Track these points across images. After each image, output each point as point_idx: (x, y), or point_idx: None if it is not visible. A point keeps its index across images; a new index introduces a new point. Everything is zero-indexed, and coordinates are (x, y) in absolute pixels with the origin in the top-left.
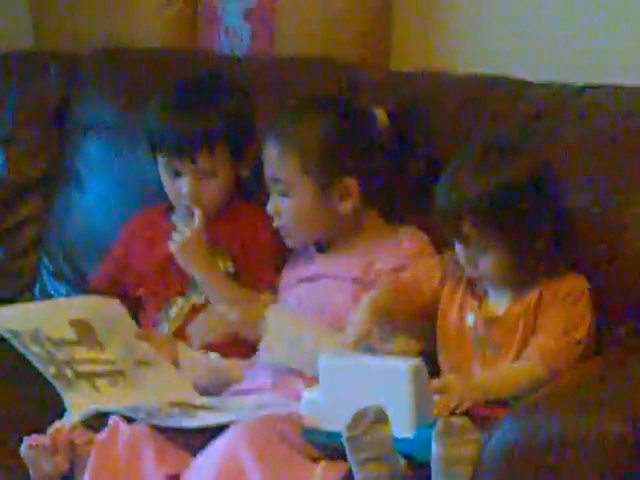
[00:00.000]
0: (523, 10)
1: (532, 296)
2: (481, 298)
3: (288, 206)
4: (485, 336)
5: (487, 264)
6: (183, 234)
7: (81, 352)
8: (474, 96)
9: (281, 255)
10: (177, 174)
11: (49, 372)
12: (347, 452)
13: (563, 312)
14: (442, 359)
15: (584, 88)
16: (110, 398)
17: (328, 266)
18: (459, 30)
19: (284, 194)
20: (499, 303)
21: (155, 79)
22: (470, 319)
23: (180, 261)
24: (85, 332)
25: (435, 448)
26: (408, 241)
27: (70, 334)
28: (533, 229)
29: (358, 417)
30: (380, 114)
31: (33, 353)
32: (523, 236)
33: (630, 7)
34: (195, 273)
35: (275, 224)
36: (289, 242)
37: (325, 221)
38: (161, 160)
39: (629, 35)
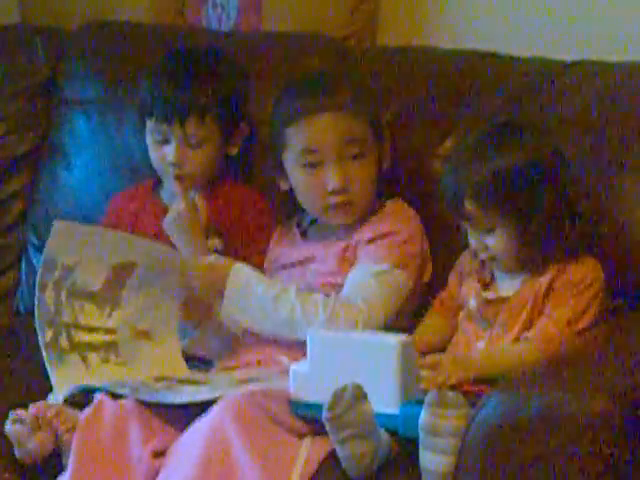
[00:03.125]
0: None
1: (543, 280)
2: (487, 282)
3: (362, 169)
4: (492, 316)
5: (495, 243)
6: (174, 211)
7: (88, 313)
8: (462, 71)
9: (268, 237)
10: (164, 142)
11: (45, 338)
12: (329, 432)
13: (572, 300)
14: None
15: (572, 64)
16: (98, 375)
17: (316, 249)
18: (447, 5)
19: (358, 157)
20: (508, 284)
21: (142, 54)
22: (473, 302)
23: (170, 236)
24: (114, 285)
25: (424, 418)
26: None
27: (96, 286)
28: (537, 207)
29: (336, 396)
30: None
31: (44, 302)
32: (527, 213)
33: None
34: (184, 249)
35: (342, 199)
36: (348, 218)
37: (378, 183)
38: (149, 125)
39: (617, 11)
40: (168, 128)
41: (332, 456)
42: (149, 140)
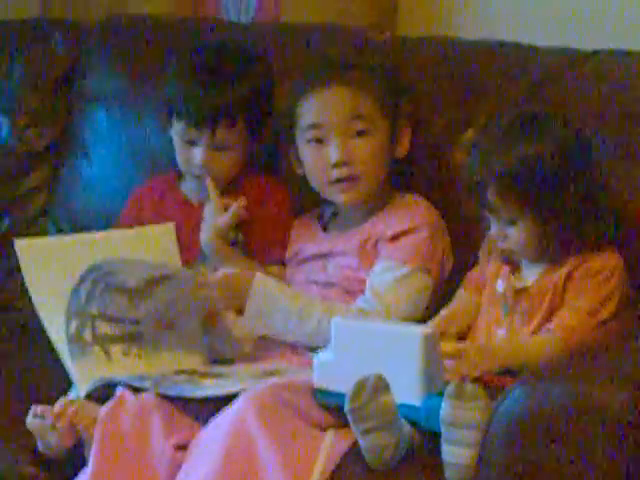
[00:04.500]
0: None
1: (563, 270)
2: (514, 266)
3: (366, 145)
4: (514, 304)
5: (516, 236)
6: (214, 224)
7: (118, 305)
8: (482, 61)
9: (288, 227)
10: (192, 143)
11: (70, 329)
12: (351, 423)
13: (591, 291)
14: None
15: (592, 53)
16: (120, 368)
17: (336, 244)
18: None
19: (362, 133)
20: (530, 273)
21: (162, 48)
22: (500, 286)
23: (208, 249)
24: (150, 283)
25: (444, 410)
26: (414, 208)
27: (133, 284)
28: (561, 202)
29: (358, 388)
30: None
31: (77, 294)
32: (550, 208)
33: None
34: (217, 262)
35: (345, 173)
36: (354, 195)
37: (386, 167)
38: (177, 126)
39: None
40: (196, 132)
41: (354, 449)
42: (176, 140)
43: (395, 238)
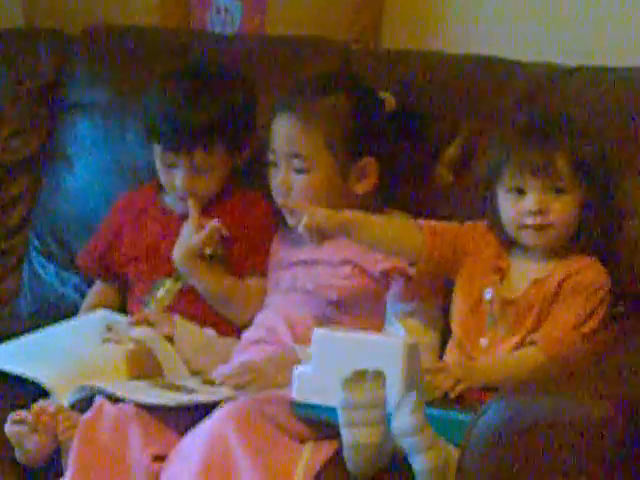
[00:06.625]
0: None
1: (552, 281)
2: (503, 274)
3: (303, 183)
4: (500, 315)
5: (558, 208)
6: (187, 243)
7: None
8: (466, 76)
9: (270, 238)
10: (172, 166)
11: None
12: (340, 411)
13: (578, 305)
14: (455, 320)
15: (576, 69)
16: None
17: (322, 250)
18: (450, 10)
19: (300, 171)
20: (520, 283)
21: (146, 58)
22: (488, 294)
23: (179, 266)
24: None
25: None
26: None
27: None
28: (604, 192)
29: (358, 375)
30: (389, 98)
31: None
32: (596, 193)
33: None
34: (192, 279)
35: (280, 201)
36: (292, 221)
37: (337, 201)
38: (156, 148)
39: (620, 17)
40: (174, 156)
41: (333, 461)
42: (157, 162)
43: (390, 272)
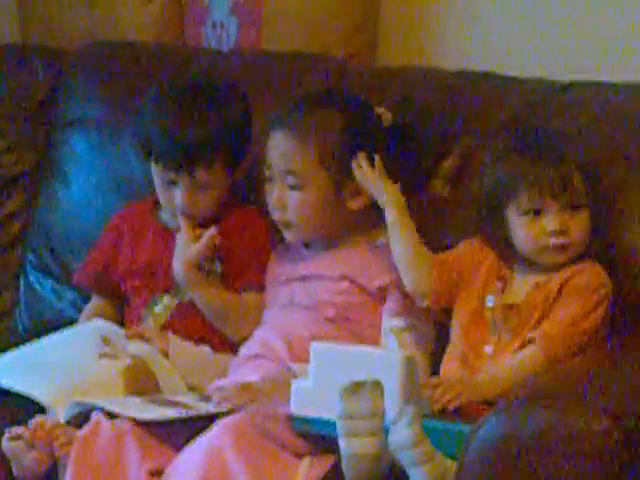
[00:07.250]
0: (511, 8)
1: (554, 284)
2: (505, 281)
3: (298, 200)
4: (502, 321)
5: (579, 224)
6: (185, 254)
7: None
8: (462, 91)
9: (267, 254)
10: (172, 183)
11: None
12: (339, 422)
13: (576, 303)
14: (456, 333)
15: (570, 84)
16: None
17: (320, 266)
18: (447, 26)
19: (295, 187)
20: (522, 287)
21: (142, 74)
22: (490, 302)
23: (180, 278)
24: None
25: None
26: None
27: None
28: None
29: (357, 386)
30: (385, 114)
31: None
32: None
33: (616, 5)
34: (192, 292)
35: (276, 217)
36: (289, 236)
37: (332, 217)
38: (155, 167)
39: (615, 33)
40: (174, 174)
41: (331, 475)
42: (156, 180)
43: (385, 288)
